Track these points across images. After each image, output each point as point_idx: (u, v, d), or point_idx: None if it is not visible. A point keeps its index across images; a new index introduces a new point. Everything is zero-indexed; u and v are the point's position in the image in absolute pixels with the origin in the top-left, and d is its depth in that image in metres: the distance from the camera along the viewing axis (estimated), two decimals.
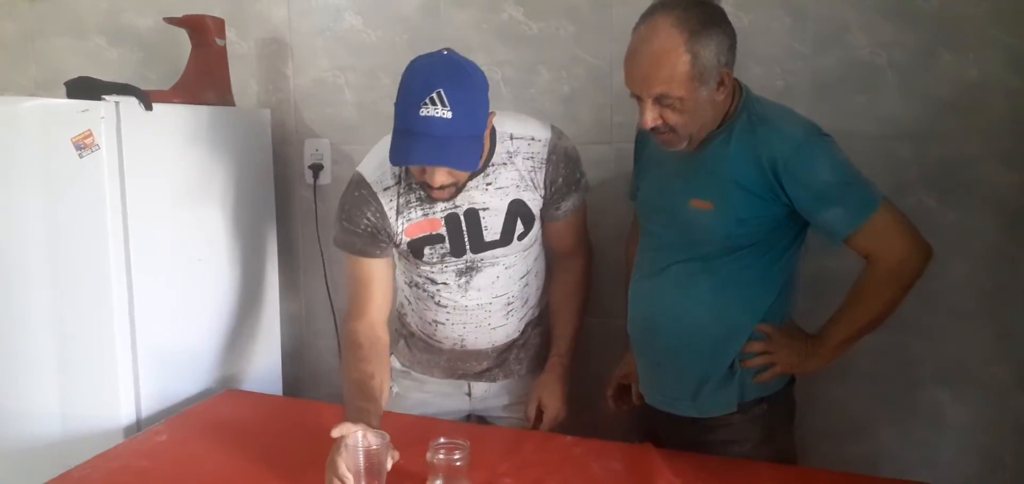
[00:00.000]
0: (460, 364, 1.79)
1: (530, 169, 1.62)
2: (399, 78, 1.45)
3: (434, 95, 1.35)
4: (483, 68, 2.09)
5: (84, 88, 1.67)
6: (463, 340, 1.73)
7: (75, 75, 1.73)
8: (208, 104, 1.96)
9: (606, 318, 2.00)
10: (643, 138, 1.66)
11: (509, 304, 1.72)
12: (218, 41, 2.06)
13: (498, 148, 1.60)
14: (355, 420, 1.33)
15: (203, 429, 1.63)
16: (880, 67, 1.77)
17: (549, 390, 1.72)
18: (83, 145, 1.62)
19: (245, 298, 2.04)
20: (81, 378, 1.72)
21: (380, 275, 1.66)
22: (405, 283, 1.76)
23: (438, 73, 1.39)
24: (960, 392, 1.83)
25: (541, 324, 1.84)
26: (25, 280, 1.72)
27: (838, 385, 1.89)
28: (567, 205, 1.68)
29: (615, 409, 1.79)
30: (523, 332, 1.79)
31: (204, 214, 1.90)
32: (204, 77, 2.03)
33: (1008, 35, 1.68)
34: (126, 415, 1.71)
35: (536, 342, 1.83)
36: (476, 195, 1.59)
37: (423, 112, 1.35)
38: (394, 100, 1.42)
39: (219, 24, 2.07)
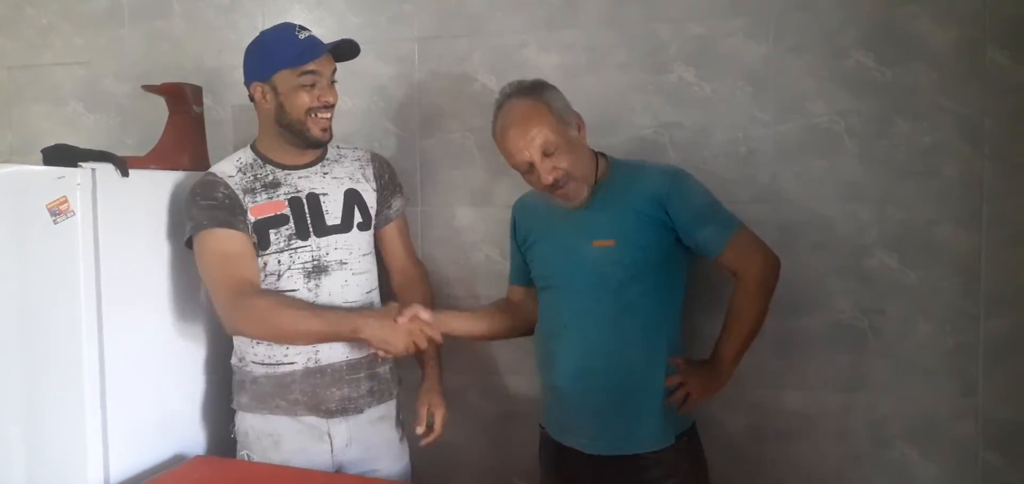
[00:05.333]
0: (315, 392, 1.77)
1: (359, 167, 1.89)
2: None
3: (298, 25, 1.76)
4: (456, 134, 2.16)
5: (61, 155, 1.67)
6: (317, 351, 1.77)
7: (51, 140, 1.74)
8: (183, 169, 1.97)
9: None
10: (519, 223, 1.86)
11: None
12: (195, 108, 2.08)
13: (331, 150, 1.88)
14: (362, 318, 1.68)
15: None
16: (839, 134, 1.84)
17: (435, 398, 1.83)
18: (58, 211, 1.62)
19: (218, 365, 2.02)
20: (49, 445, 1.68)
21: (248, 250, 1.74)
22: None
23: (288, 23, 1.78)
24: (928, 450, 1.85)
25: (389, 359, 1.87)
26: None
27: (807, 443, 1.91)
28: (397, 204, 1.94)
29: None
30: (372, 353, 1.80)
31: (178, 279, 1.90)
32: (181, 143, 2.04)
33: (958, 104, 1.77)
34: (94, 483, 1.68)
35: (386, 376, 1.87)
36: (316, 180, 1.82)
37: (301, 36, 1.74)
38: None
39: (197, 92, 2.09)
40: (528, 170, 1.64)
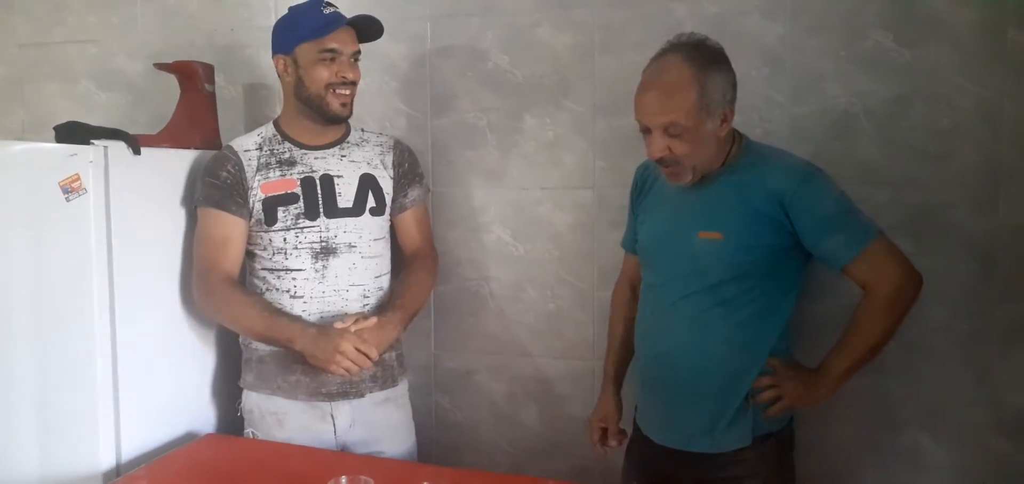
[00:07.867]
0: (316, 374, 1.77)
1: (380, 153, 1.90)
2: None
3: (325, 1, 1.76)
4: (469, 114, 2.14)
5: (73, 133, 1.68)
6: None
7: (63, 119, 1.74)
8: (195, 148, 1.97)
9: (594, 360, 2.02)
10: (640, 186, 1.75)
11: (366, 297, 1.82)
12: (207, 87, 2.08)
13: (353, 133, 1.90)
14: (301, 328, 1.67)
15: (183, 475, 1.61)
16: (855, 115, 1.81)
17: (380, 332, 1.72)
18: (70, 189, 1.63)
19: (229, 342, 2.03)
20: (61, 422, 1.70)
21: (236, 235, 1.78)
22: (259, 289, 1.82)
23: None
24: (941, 436, 1.84)
25: (397, 345, 1.89)
26: (7, 322, 1.70)
27: (819, 429, 1.89)
28: (414, 194, 1.93)
29: (602, 451, 1.80)
30: None
31: (190, 257, 1.90)
32: (192, 121, 2.04)
33: (977, 85, 1.73)
34: (106, 460, 1.69)
35: (391, 362, 1.88)
36: (332, 163, 1.83)
37: (326, 10, 1.75)
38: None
39: (209, 70, 2.09)
40: (644, 131, 1.52)
